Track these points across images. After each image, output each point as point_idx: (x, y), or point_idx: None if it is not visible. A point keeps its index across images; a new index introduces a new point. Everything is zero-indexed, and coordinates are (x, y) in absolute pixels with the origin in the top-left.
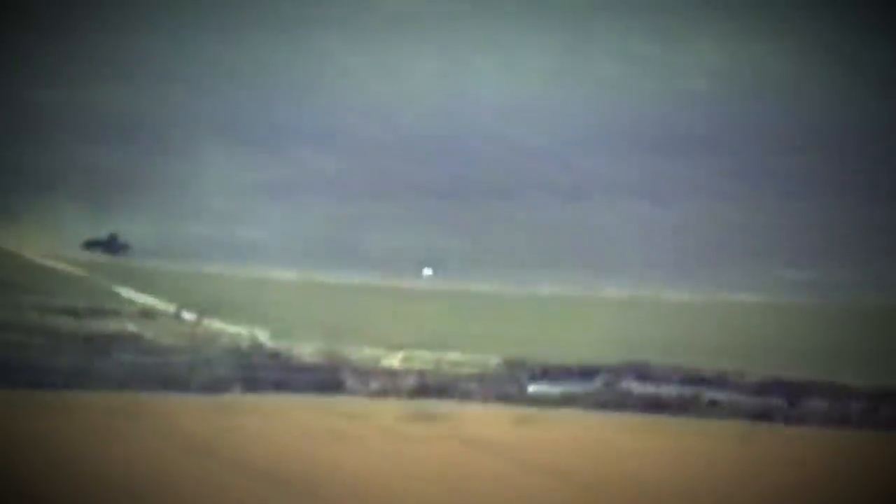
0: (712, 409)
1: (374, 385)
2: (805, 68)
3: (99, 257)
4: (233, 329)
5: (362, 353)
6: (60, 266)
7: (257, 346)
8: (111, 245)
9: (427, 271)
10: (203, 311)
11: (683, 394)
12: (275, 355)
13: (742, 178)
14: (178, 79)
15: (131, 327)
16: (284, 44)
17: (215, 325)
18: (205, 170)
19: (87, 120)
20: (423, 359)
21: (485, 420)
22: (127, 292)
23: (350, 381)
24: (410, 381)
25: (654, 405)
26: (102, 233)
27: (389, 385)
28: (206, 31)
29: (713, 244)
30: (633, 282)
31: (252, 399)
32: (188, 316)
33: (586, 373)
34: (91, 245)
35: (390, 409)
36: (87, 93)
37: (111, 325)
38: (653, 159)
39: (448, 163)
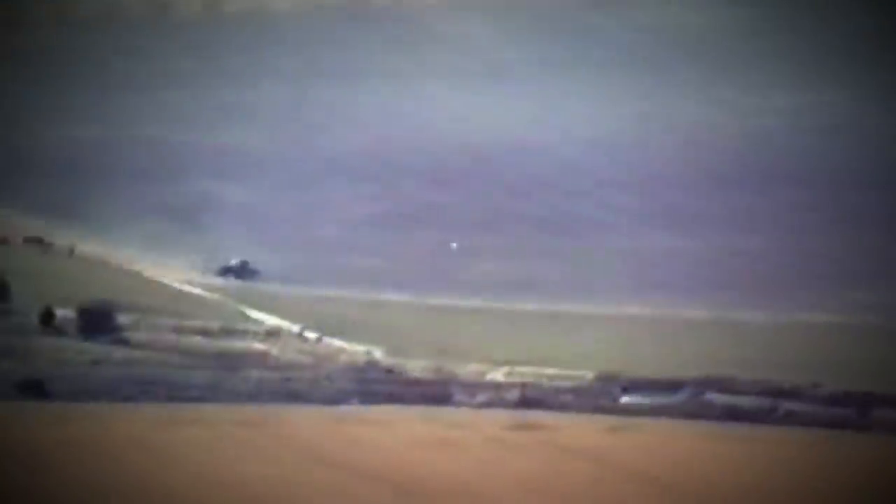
0: (788, 418)
1: (480, 397)
2: (867, 112)
3: (231, 283)
4: (351, 347)
5: (469, 368)
6: (197, 291)
7: (373, 363)
8: (242, 271)
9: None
10: (324, 331)
11: (761, 405)
12: (389, 371)
13: (815, 210)
14: (300, 121)
15: (259, 346)
16: (396, 89)
17: (335, 343)
18: (325, 204)
19: (219, 160)
20: (524, 373)
21: (580, 429)
22: (255, 314)
23: (457, 394)
24: (513, 394)
25: (735, 415)
26: (234, 261)
27: (494, 397)
28: (324, 78)
29: (789, 270)
30: (715, 304)
31: (367, 410)
32: (310, 335)
33: (672, 386)
34: (225, 272)
35: (494, 419)
36: (218, 136)
37: (241, 344)
38: (733, 193)
39: (545, 197)
